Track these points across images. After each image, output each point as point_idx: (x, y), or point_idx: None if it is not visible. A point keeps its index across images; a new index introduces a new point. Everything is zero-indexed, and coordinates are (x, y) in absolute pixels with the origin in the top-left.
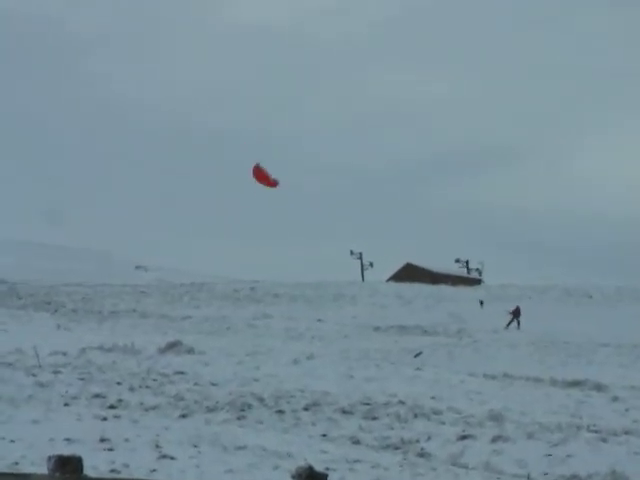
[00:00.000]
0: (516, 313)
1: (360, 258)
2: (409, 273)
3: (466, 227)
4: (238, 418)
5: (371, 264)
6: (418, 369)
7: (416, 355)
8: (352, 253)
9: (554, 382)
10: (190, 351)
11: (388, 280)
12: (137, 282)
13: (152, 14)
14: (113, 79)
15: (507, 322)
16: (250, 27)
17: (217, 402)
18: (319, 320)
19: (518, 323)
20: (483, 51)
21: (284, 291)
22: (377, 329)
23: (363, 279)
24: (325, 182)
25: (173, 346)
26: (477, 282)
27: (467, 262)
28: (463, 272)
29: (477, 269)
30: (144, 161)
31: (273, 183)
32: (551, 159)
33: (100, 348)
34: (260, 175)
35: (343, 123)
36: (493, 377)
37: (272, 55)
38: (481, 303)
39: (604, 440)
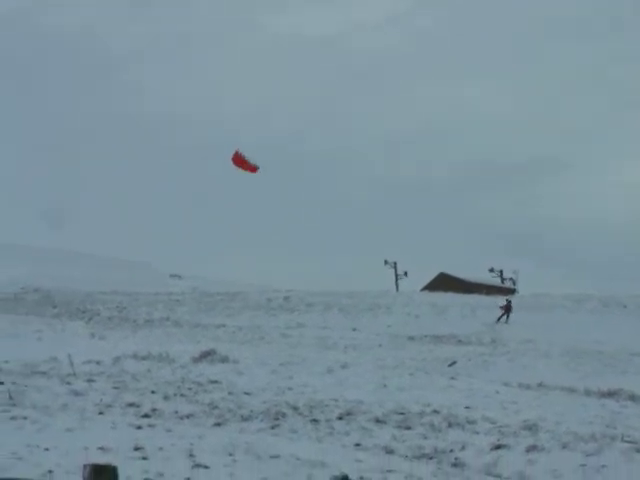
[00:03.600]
0: (507, 308)
1: (394, 268)
2: (443, 282)
3: (500, 237)
4: (272, 427)
5: (405, 273)
6: (452, 378)
7: (450, 364)
8: (386, 263)
9: (589, 392)
10: (224, 360)
11: (422, 289)
12: (171, 290)
13: (189, 27)
14: (153, 93)
15: (498, 316)
16: (292, 38)
17: (251, 411)
18: (353, 329)
19: (507, 317)
20: (529, 63)
21: (318, 300)
22: (411, 338)
23: (397, 289)
24: (360, 193)
25: (207, 355)
26: (511, 291)
27: (501, 272)
28: (497, 282)
29: (511, 278)
30: (183, 174)
31: (252, 168)
32: (592, 170)
33: (134, 356)
34: (239, 160)
35: (379, 136)
36: (528, 387)
37: (313, 66)
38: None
39: (639, 450)
